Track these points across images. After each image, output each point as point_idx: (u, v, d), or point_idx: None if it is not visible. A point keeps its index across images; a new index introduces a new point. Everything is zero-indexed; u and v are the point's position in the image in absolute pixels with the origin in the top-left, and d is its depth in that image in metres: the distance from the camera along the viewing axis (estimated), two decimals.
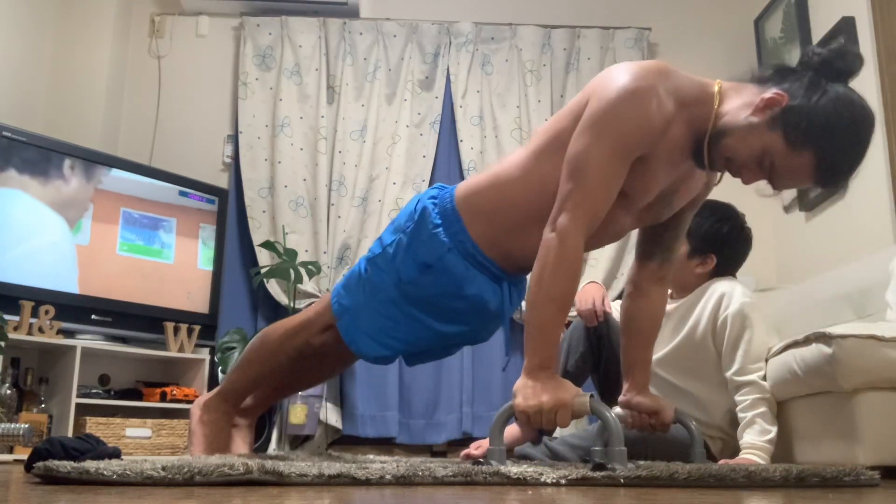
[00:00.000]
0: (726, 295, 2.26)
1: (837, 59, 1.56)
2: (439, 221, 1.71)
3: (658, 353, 2.27)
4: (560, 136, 1.62)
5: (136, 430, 3.32)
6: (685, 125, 1.57)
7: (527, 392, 1.48)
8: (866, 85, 3.20)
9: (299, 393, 3.53)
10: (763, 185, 1.62)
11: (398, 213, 1.86)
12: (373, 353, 1.78)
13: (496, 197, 1.69)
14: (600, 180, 1.52)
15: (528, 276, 1.65)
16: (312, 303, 2.04)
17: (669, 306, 2.23)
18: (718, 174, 1.72)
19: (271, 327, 1.95)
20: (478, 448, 2.31)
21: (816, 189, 1.58)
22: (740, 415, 2.18)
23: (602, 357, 2.34)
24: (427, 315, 1.74)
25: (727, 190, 4.24)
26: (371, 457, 2.27)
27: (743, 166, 1.57)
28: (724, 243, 2.34)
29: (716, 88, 1.58)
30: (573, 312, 2.32)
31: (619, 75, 1.54)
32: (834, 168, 1.58)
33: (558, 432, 2.40)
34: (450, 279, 1.69)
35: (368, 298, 1.77)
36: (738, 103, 1.56)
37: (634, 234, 1.91)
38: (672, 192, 1.70)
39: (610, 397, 2.25)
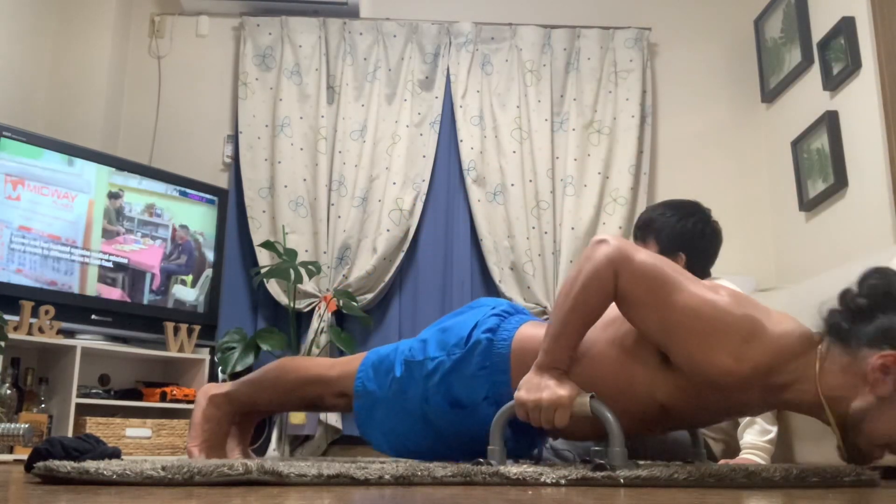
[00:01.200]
0: None
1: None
2: (488, 364, 1.65)
3: None
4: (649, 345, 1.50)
5: (136, 430, 3.32)
6: (766, 388, 1.42)
7: (530, 386, 1.48)
8: (866, 85, 3.20)
9: None
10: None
11: (453, 324, 1.75)
12: (377, 445, 1.79)
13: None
14: (679, 290, 1.45)
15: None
16: (341, 357, 2.02)
17: None
18: None
19: (293, 364, 1.93)
20: None
21: None
22: None
23: None
24: (442, 442, 1.71)
25: (728, 191, 4.22)
26: (370, 459, 2.27)
27: (885, 446, 1.38)
28: (692, 239, 2.30)
29: (815, 359, 1.40)
30: None
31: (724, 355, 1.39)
32: None
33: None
34: (477, 424, 1.62)
35: (392, 398, 1.74)
36: (842, 377, 1.38)
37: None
38: (728, 412, 1.63)
39: None
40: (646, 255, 1.49)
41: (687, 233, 2.30)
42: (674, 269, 1.50)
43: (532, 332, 1.66)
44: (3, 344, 2.81)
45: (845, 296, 1.43)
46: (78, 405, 3.17)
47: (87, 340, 3.36)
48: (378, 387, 1.76)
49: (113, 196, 3.60)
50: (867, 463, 1.41)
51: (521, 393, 1.48)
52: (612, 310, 1.53)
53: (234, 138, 4.15)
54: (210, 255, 3.89)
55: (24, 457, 2.08)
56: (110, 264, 3.55)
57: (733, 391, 1.43)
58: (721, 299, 1.44)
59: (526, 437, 1.70)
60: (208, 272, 3.86)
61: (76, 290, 3.42)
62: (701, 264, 2.34)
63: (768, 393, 1.43)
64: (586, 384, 1.50)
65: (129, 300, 3.58)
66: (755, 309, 1.44)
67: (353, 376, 1.80)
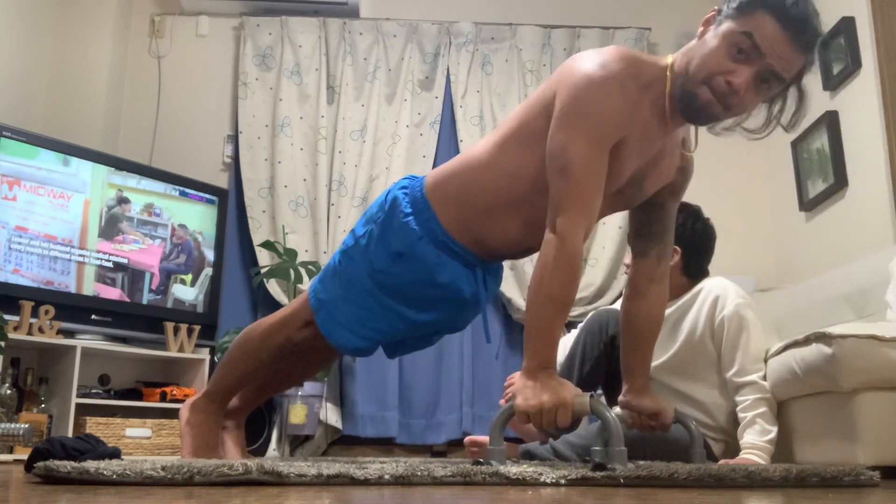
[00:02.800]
0: (721, 297, 2.27)
1: None
2: (410, 210, 1.72)
3: (657, 359, 2.27)
4: (527, 125, 1.64)
5: (136, 430, 3.32)
6: (650, 106, 1.58)
7: (527, 392, 1.47)
8: (866, 85, 3.20)
9: (299, 393, 3.54)
10: (755, 124, 1.60)
11: (370, 205, 1.87)
12: (351, 344, 1.80)
13: (465, 183, 1.71)
14: (586, 174, 1.52)
15: (504, 263, 1.67)
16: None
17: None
18: (690, 152, 1.73)
19: (252, 326, 1.96)
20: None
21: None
22: (741, 415, 2.18)
23: (613, 359, 2.33)
24: (401, 304, 1.75)
25: (728, 191, 4.23)
26: (370, 459, 2.27)
27: (717, 73, 1.52)
28: (683, 233, 2.33)
29: (669, 60, 1.62)
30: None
31: (584, 64, 1.56)
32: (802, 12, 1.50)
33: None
34: (422, 267, 1.70)
35: (344, 291, 1.78)
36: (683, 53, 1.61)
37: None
38: (643, 177, 1.70)
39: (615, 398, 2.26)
40: (567, 217, 1.53)
41: (678, 227, 2.33)
42: (556, 128, 1.57)
43: (439, 170, 1.77)
44: (3, 344, 2.81)
45: None
46: (78, 405, 3.17)
47: (87, 340, 3.36)
48: (328, 292, 1.81)
49: (123, 201, 3.60)
50: (697, 105, 1.54)
51: (520, 401, 1.47)
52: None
53: (234, 138, 4.14)
54: (210, 255, 3.89)
55: (24, 457, 2.08)
56: (110, 264, 3.55)
57: (633, 120, 1.55)
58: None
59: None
60: (208, 271, 3.86)
61: (74, 289, 3.42)
62: (697, 260, 2.36)
63: (650, 110, 1.57)
64: (525, 191, 1.63)
65: (128, 300, 3.58)
66: None
67: (306, 301, 1.84)
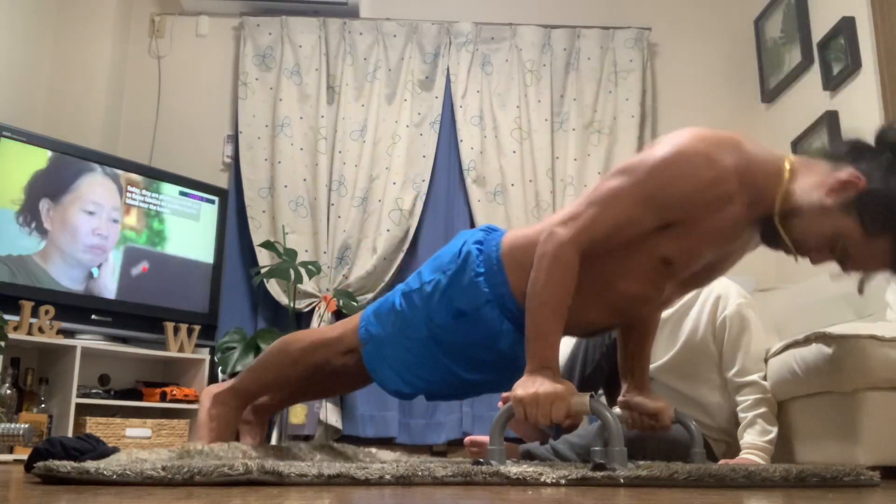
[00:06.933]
0: (722, 297, 2.26)
1: None
2: (482, 270, 1.67)
3: (658, 360, 2.27)
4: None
5: (136, 430, 3.32)
6: (747, 205, 1.49)
7: (525, 384, 1.48)
8: (866, 85, 3.20)
9: None
10: (835, 266, 1.51)
11: (441, 250, 1.81)
12: (393, 386, 1.78)
13: None
14: (616, 216, 1.49)
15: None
16: (339, 320, 2.01)
17: (664, 313, 2.22)
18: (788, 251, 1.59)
19: (293, 336, 1.93)
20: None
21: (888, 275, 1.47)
22: (741, 415, 2.18)
23: (614, 360, 2.33)
24: (454, 361, 1.71)
25: None
26: (373, 450, 2.27)
27: (813, 249, 1.48)
28: None
29: (787, 165, 1.49)
30: None
31: (683, 135, 1.49)
32: None
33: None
34: (484, 331, 1.65)
35: (398, 332, 1.75)
36: (811, 182, 1.47)
37: None
38: (721, 261, 1.64)
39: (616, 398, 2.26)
40: (577, 221, 1.51)
41: None
42: (619, 171, 1.53)
43: (519, 233, 1.71)
44: (3, 344, 2.81)
45: (857, 139, 1.49)
46: (78, 405, 3.17)
47: (87, 340, 3.35)
48: (382, 328, 1.77)
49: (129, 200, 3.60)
50: (803, 251, 1.49)
51: (518, 391, 1.48)
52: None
53: (234, 138, 4.14)
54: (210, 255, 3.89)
55: (24, 457, 2.08)
56: (110, 263, 3.54)
57: (718, 212, 1.47)
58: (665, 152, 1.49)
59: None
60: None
61: (75, 289, 3.42)
62: None
63: (748, 210, 1.48)
64: (603, 274, 1.56)
65: (128, 300, 3.58)
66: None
67: (355, 329, 1.81)
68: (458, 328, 1.68)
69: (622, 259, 1.55)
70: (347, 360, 1.85)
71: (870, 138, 1.47)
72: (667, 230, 1.51)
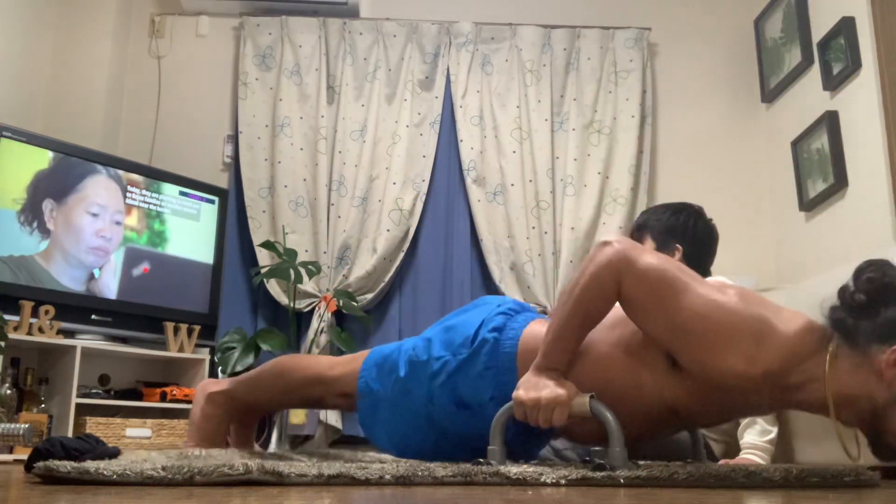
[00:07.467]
0: None
1: None
2: (494, 364, 1.62)
3: None
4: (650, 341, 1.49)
5: (136, 430, 3.32)
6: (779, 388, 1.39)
7: (528, 385, 1.47)
8: (866, 85, 3.20)
9: None
10: None
11: (457, 317, 1.74)
12: (382, 445, 1.77)
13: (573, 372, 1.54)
14: (669, 272, 1.43)
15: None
16: (341, 355, 2.00)
17: None
18: None
19: (292, 362, 1.91)
20: None
21: None
22: None
23: None
24: (447, 442, 1.69)
25: (728, 191, 4.22)
26: (371, 454, 2.27)
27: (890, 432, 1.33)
28: (685, 231, 2.34)
29: (829, 353, 1.35)
30: None
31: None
32: None
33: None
34: (483, 425, 1.56)
35: (396, 397, 1.71)
36: (852, 371, 1.33)
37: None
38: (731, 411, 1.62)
39: None
40: (651, 258, 1.46)
41: (679, 226, 2.35)
42: (679, 270, 1.46)
43: (539, 330, 1.62)
44: (3, 344, 2.81)
45: (844, 292, 1.40)
46: (78, 405, 3.17)
47: (87, 340, 3.36)
48: (382, 386, 1.74)
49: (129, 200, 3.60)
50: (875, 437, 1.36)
51: (520, 392, 1.48)
52: (619, 310, 1.51)
53: (234, 138, 4.14)
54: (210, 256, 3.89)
55: (24, 457, 2.08)
56: (111, 264, 3.54)
57: (744, 393, 1.41)
58: (729, 300, 1.40)
59: (532, 439, 1.68)
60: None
61: (76, 289, 3.42)
62: (698, 259, 2.35)
63: (780, 393, 1.40)
64: (593, 386, 1.49)
65: (128, 300, 3.58)
66: (765, 308, 1.41)
67: (355, 376, 1.78)
68: (457, 417, 1.65)
69: (629, 397, 1.49)
70: (341, 402, 1.84)
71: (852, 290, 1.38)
72: (678, 372, 1.46)
